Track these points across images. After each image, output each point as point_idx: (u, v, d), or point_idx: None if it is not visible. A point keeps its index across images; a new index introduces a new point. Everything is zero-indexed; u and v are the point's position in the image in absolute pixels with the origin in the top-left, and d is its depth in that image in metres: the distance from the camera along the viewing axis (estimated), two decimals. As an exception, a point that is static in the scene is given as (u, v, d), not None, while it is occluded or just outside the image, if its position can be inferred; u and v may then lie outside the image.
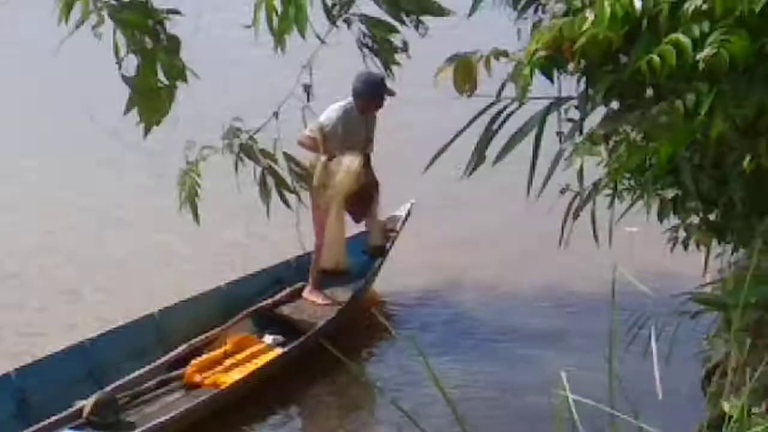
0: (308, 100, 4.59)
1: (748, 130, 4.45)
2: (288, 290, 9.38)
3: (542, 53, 4.17)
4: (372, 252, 9.59)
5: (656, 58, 3.95)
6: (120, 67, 4.01)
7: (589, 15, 4.01)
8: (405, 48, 4.58)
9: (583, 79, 4.51)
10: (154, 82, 4.00)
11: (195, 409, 7.87)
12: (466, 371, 8.63)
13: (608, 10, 3.96)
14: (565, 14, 4.41)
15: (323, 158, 8.92)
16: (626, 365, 5.44)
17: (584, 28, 4.01)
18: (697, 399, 6.51)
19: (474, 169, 4.63)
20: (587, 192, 4.95)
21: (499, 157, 4.61)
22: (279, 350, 8.60)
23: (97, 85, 9.31)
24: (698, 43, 3.99)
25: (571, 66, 4.31)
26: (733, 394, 5.92)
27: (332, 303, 9.22)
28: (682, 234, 5.52)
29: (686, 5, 3.95)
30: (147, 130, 4.20)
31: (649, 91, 4.58)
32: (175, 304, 8.79)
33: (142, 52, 3.94)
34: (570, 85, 4.72)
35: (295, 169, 4.46)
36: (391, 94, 8.87)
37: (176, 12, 4.09)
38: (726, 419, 5.57)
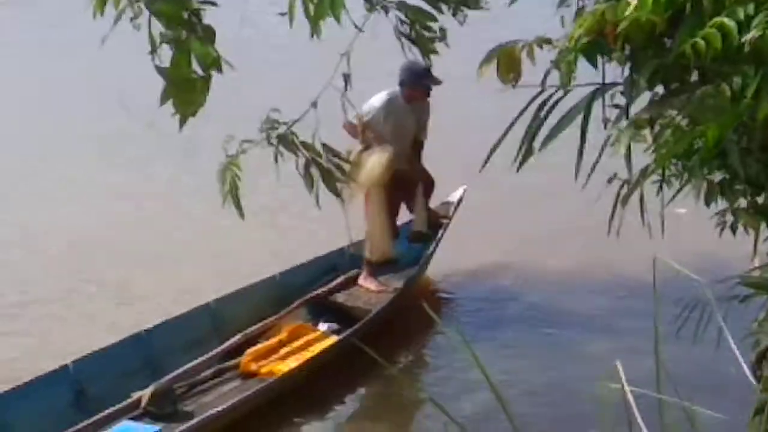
0: (346, 90, 4.58)
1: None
2: (342, 278, 9.50)
3: (585, 38, 4.13)
4: (412, 238, 9.62)
5: (701, 42, 3.90)
6: (154, 58, 4.01)
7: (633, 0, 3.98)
8: (443, 36, 4.56)
9: (628, 65, 4.48)
10: (188, 72, 4.00)
11: (251, 397, 7.93)
12: (515, 357, 8.61)
13: (651, -7, 3.92)
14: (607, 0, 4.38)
15: (358, 147, 8.93)
16: (676, 351, 5.44)
17: (627, 12, 3.97)
18: (747, 384, 6.46)
19: (524, 160, 4.60)
20: (635, 179, 4.92)
21: (544, 144, 4.57)
22: (334, 338, 8.65)
23: (129, 77, 9.36)
24: (743, 26, 3.94)
25: (615, 51, 4.27)
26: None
27: (386, 290, 9.32)
28: (729, 218, 5.48)
29: (731, -14, 3.91)
30: (183, 122, 4.19)
31: (694, 76, 4.56)
32: (230, 293, 8.86)
33: (175, 42, 3.94)
34: (614, 71, 4.70)
35: (334, 160, 4.46)
36: (437, 83, 8.90)
37: (211, 2, 4.09)
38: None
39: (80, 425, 7.59)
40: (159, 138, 9.27)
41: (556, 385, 8.34)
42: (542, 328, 9.24)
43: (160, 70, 4.06)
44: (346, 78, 4.55)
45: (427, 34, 4.49)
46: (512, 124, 4.85)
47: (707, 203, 5.08)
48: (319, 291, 9.35)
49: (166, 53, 4.03)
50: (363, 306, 9.13)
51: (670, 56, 4.19)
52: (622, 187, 5.13)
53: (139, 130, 10.25)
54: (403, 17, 4.51)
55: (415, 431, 8.40)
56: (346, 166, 4.49)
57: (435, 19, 4.53)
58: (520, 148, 4.80)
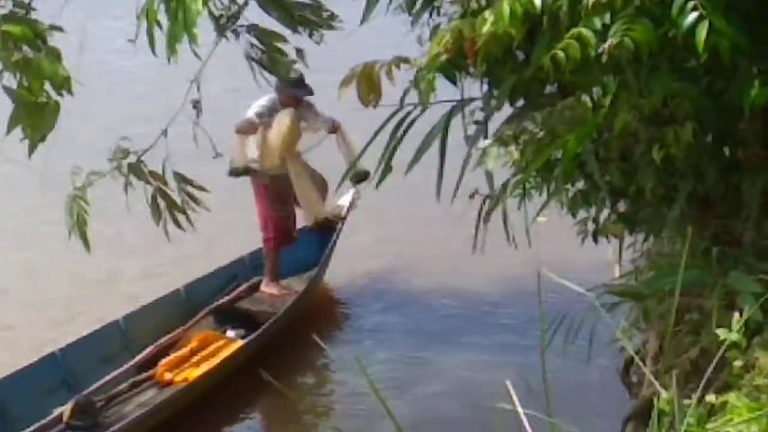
0: (198, 117, 4.46)
1: (655, 120, 4.41)
2: (244, 285, 9.55)
3: (444, 56, 4.06)
4: (312, 227, 9.65)
5: (560, 53, 3.85)
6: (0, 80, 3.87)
7: (489, 16, 3.91)
8: (301, 57, 4.46)
9: (486, 81, 4.43)
10: (39, 93, 3.86)
11: (168, 402, 8.02)
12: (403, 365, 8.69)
13: (507, 8, 3.85)
14: (462, 16, 4.32)
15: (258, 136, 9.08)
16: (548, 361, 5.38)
17: (485, 28, 3.91)
18: (616, 389, 6.50)
19: (382, 179, 4.53)
20: (496, 195, 4.88)
21: (410, 167, 4.50)
22: (241, 342, 8.73)
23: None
24: (600, 36, 3.91)
25: (473, 68, 4.22)
26: (652, 383, 5.91)
27: (288, 293, 9.42)
28: (591, 226, 5.47)
29: (586, -1, 3.87)
30: (32, 148, 4.05)
31: (553, 88, 4.52)
32: (137, 309, 8.86)
33: (24, 62, 3.78)
34: (471, 87, 4.64)
35: (186, 189, 4.35)
36: (308, 93, 9.08)
37: (58, 28, 3.95)
38: (654, 409, 5.57)
39: None
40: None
41: (446, 394, 8.35)
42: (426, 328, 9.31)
43: (9, 92, 3.90)
44: (197, 105, 4.42)
45: (280, 57, 4.38)
46: (368, 144, 4.77)
47: (572, 213, 5.06)
48: (224, 300, 9.39)
49: (9, 77, 3.89)
50: (267, 309, 9.23)
51: (529, 70, 4.15)
52: (484, 202, 5.09)
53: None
54: (254, 41, 4.39)
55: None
56: (198, 194, 4.38)
57: (286, 40, 4.42)
58: (378, 167, 4.73)
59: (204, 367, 8.37)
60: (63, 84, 3.88)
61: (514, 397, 2.69)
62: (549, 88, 4.55)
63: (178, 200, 4.42)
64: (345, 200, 9.98)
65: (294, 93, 9.06)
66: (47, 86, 3.92)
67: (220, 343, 8.73)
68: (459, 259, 8.22)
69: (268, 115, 9.17)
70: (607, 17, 3.86)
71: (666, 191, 4.79)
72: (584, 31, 3.85)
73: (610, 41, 3.81)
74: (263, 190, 9.40)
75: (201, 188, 4.47)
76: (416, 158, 4.35)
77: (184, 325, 9.00)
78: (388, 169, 4.60)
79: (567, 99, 4.12)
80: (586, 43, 3.85)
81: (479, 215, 5.03)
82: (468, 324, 9.14)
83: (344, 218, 9.94)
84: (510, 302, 9.30)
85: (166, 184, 4.32)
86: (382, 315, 9.64)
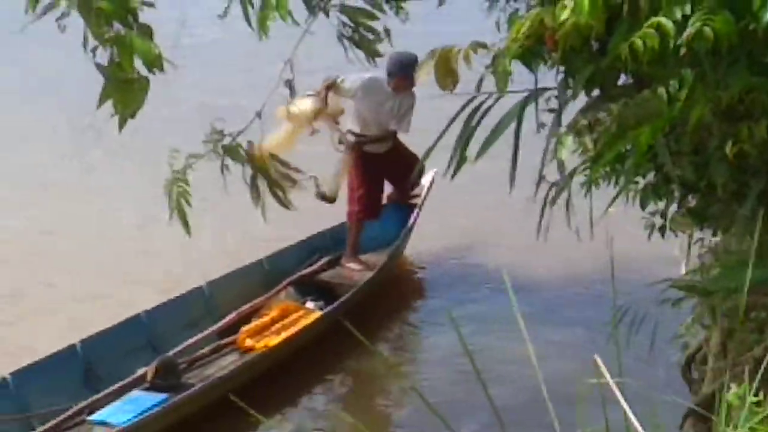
0: (291, 96, 4.48)
1: (729, 115, 4.36)
2: (325, 259, 9.84)
3: (523, 43, 4.04)
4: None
5: (638, 42, 3.83)
6: (94, 57, 3.89)
7: (568, 3, 3.89)
8: (387, 35, 4.47)
9: (562, 69, 4.40)
10: (130, 70, 3.88)
11: (247, 366, 8.34)
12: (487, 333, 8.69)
13: (587, -2, 3.84)
14: (542, 4, 4.30)
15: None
16: (609, 354, 5.35)
17: (564, 16, 3.89)
18: (677, 384, 6.44)
19: (457, 169, 4.52)
20: (562, 183, 4.85)
21: (480, 154, 4.49)
22: (319, 313, 9.01)
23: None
24: (679, 27, 3.88)
25: (551, 56, 4.20)
26: (713, 381, 5.86)
27: (368, 267, 9.68)
28: (658, 220, 5.44)
29: (668, -12, 3.83)
30: (122, 123, 4.07)
31: (628, 79, 4.49)
32: (221, 277, 9.20)
33: (117, 39, 3.81)
34: (543, 75, 4.62)
35: (281, 169, 4.35)
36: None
37: (150, 3, 3.97)
38: (719, 405, 5.52)
39: (91, 399, 7.83)
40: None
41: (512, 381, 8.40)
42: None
43: (101, 68, 3.92)
44: (290, 84, 4.44)
45: (370, 36, 4.39)
46: (443, 133, 4.76)
47: (642, 206, 5.02)
48: (305, 271, 9.67)
49: (100, 53, 3.91)
50: (347, 283, 9.47)
51: (606, 60, 4.12)
52: (550, 189, 5.06)
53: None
54: (345, 20, 4.41)
55: (394, 410, 8.51)
56: (295, 175, 4.39)
57: (377, 18, 4.43)
58: (453, 156, 4.72)
59: (283, 335, 8.61)
60: (154, 62, 3.90)
61: (605, 371, 2.69)
62: (624, 79, 4.52)
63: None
64: (425, 180, 10.11)
65: (409, 74, 9.02)
66: (138, 63, 3.94)
67: (300, 313, 8.98)
68: (527, 246, 8.25)
69: (361, 90, 9.33)
70: (688, 8, 3.83)
71: (738, 188, 4.73)
72: (663, 20, 3.82)
73: (690, 30, 3.78)
74: (359, 163, 9.59)
75: (296, 169, 4.49)
76: (486, 145, 4.34)
77: (266, 294, 9.25)
78: (462, 158, 4.59)
79: (643, 91, 4.08)
80: (665, 33, 3.83)
81: (544, 202, 5.00)
82: (534, 312, 9.15)
83: (424, 199, 10.14)
84: (574, 293, 9.31)
85: (265, 164, 4.32)
86: (454, 299, 9.82)
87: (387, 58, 8.98)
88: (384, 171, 9.78)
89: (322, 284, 9.61)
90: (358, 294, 9.26)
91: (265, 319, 8.87)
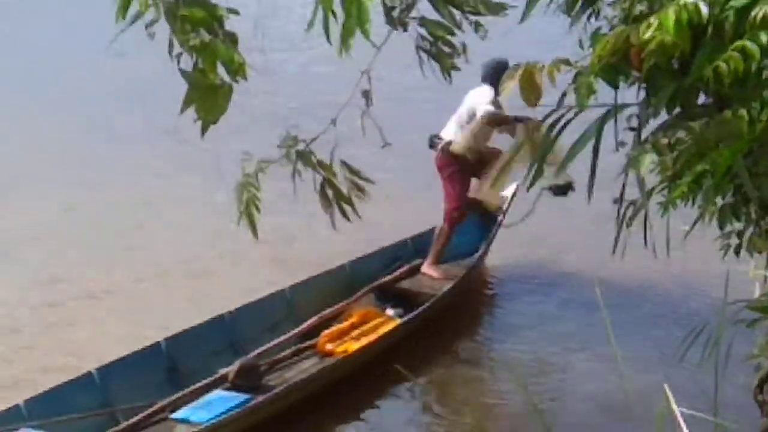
0: (367, 106, 4.51)
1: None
2: (406, 267, 9.98)
3: (608, 60, 4.06)
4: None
5: (723, 65, 3.84)
6: (178, 63, 3.95)
7: (654, 21, 3.90)
8: (464, 51, 4.50)
9: (643, 86, 4.40)
10: (214, 77, 3.93)
11: (327, 371, 8.45)
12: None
13: (673, 16, 3.85)
14: (625, 20, 4.31)
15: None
16: (682, 373, 5.34)
17: (648, 34, 3.90)
18: (749, 407, 6.40)
19: (533, 181, 4.54)
20: (640, 201, 4.85)
21: (562, 167, 4.51)
22: (398, 320, 9.11)
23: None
24: (764, 50, 3.88)
25: (635, 73, 4.21)
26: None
27: (447, 277, 9.76)
28: (734, 240, 5.41)
29: (754, 11, 3.83)
30: (205, 129, 4.12)
31: (706, 98, 4.49)
32: (303, 281, 9.36)
33: (201, 47, 3.86)
34: (622, 93, 4.62)
35: (352, 178, 4.39)
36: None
37: (235, 12, 4.03)
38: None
39: (174, 396, 7.99)
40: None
41: (585, 398, 8.39)
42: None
43: (185, 75, 3.98)
44: (367, 95, 4.47)
45: (447, 50, 4.43)
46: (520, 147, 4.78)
47: (720, 226, 5.01)
48: (386, 279, 9.78)
49: (184, 60, 3.97)
50: (427, 291, 9.54)
51: (688, 79, 4.13)
52: (627, 207, 5.06)
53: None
54: (424, 33, 4.44)
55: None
56: (363, 184, 4.42)
57: (454, 33, 4.46)
58: (531, 167, 4.74)
59: (363, 341, 8.70)
60: (238, 70, 3.95)
61: (672, 400, 2.70)
62: (703, 99, 4.52)
63: (344, 189, 4.45)
64: (508, 191, 10.11)
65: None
66: (221, 70, 3.99)
67: (380, 319, 9.07)
68: (600, 262, 8.23)
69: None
70: (773, 32, 3.83)
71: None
72: (748, 44, 3.83)
73: (776, 55, 3.79)
74: (467, 169, 9.79)
75: (367, 179, 4.51)
76: (569, 159, 4.35)
77: (347, 299, 9.34)
78: (540, 171, 4.60)
79: (724, 111, 4.08)
80: (749, 56, 3.83)
81: (622, 219, 5.00)
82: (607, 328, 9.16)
83: (506, 210, 10.21)
84: (648, 310, 9.28)
85: (334, 174, 4.36)
86: (525, 310, 9.95)
87: (481, 67, 9.35)
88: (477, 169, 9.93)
89: (402, 292, 9.67)
90: (437, 304, 9.29)
91: (345, 324, 8.97)
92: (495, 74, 9.17)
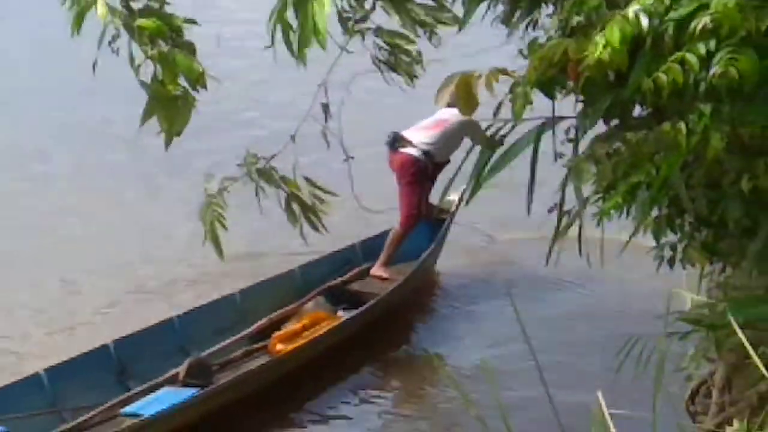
0: (326, 120, 4.47)
1: (746, 150, 4.35)
2: (357, 269, 10.04)
3: (545, 71, 4.03)
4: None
5: (662, 76, 3.82)
6: (137, 74, 3.89)
7: (600, 38, 3.87)
8: (419, 59, 4.48)
9: (581, 98, 4.39)
10: (174, 87, 3.88)
11: (275, 365, 8.55)
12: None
13: (619, 34, 3.83)
14: (562, 30, 4.28)
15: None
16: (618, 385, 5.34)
17: (596, 52, 3.87)
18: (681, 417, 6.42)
19: (471, 195, 4.53)
20: (575, 210, 4.83)
21: (489, 176, 4.50)
22: (343, 318, 9.20)
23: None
24: (703, 63, 3.87)
25: (570, 85, 4.18)
26: (717, 414, 5.84)
27: (396, 278, 9.81)
28: (668, 252, 5.41)
29: (693, 23, 3.82)
30: (168, 141, 4.07)
31: (642, 110, 4.48)
32: (253, 285, 9.36)
33: (160, 57, 3.81)
34: (560, 105, 4.61)
35: (315, 192, 4.36)
36: None
37: (193, 21, 3.97)
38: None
39: (124, 395, 8.03)
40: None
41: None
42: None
43: (146, 86, 3.92)
44: (325, 108, 4.43)
45: (406, 58, 4.40)
46: (462, 163, 4.77)
47: (656, 238, 5.00)
48: (336, 281, 9.85)
49: (144, 71, 3.92)
50: (377, 292, 9.58)
51: (626, 91, 4.11)
52: (561, 217, 5.05)
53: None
54: (381, 43, 4.42)
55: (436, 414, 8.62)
56: (326, 197, 4.39)
57: (413, 41, 4.44)
58: (469, 182, 4.73)
59: (309, 338, 8.86)
60: (198, 79, 3.90)
61: (605, 410, 2.67)
62: (639, 111, 4.52)
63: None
64: (455, 195, 10.26)
65: None
66: (182, 81, 3.94)
67: (331, 321, 9.14)
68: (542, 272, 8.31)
69: None
70: (712, 44, 3.82)
71: (750, 224, 4.72)
72: (688, 55, 3.82)
73: (716, 69, 3.78)
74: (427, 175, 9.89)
75: (331, 193, 4.49)
76: (497, 168, 4.34)
77: (297, 302, 9.37)
78: (477, 185, 4.59)
79: (662, 123, 4.07)
80: (689, 67, 3.82)
81: (556, 230, 4.99)
82: (546, 337, 9.21)
83: (454, 213, 10.32)
84: (585, 320, 9.32)
85: (298, 188, 4.33)
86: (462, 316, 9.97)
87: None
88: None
89: (352, 294, 9.73)
90: (383, 302, 9.37)
91: (297, 326, 9.01)
92: None
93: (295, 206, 4.31)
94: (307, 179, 4.37)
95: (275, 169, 4.32)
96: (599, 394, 2.79)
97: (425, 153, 9.87)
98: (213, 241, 4.36)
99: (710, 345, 5.47)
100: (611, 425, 2.83)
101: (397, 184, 10.04)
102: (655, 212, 5.03)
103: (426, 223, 10.25)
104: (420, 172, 9.87)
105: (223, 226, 4.34)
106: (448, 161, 9.81)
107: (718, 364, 5.76)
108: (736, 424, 4.70)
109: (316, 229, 4.40)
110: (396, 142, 10.01)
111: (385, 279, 9.87)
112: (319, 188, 4.37)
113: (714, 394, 5.75)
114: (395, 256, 10.05)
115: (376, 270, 10.01)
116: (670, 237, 5.27)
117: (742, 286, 5.28)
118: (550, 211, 5.22)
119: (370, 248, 10.18)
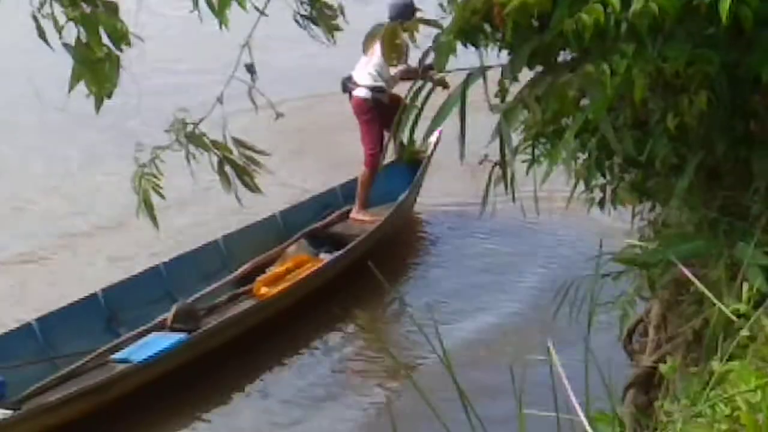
0: (252, 80, 4.40)
1: (670, 88, 4.36)
2: (336, 213, 10.20)
3: (469, 20, 4.00)
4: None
5: (585, 17, 3.81)
6: (60, 37, 3.82)
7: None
8: (341, 12, 4.44)
9: (507, 47, 4.37)
10: (99, 49, 3.81)
11: (261, 307, 8.71)
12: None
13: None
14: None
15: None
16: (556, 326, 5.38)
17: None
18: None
19: (402, 152, 4.49)
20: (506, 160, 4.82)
21: (426, 136, 4.47)
22: (325, 259, 9.34)
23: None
24: (624, 2, 3.87)
25: (495, 34, 4.16)
26: (654, 352, 5.89)
27: (377, 219, 9.95)
28: (598, 194, 5.44)
29: (614, -36, 3.81)
30: (99, 103, 4.00)
31: (567, 55, 4.47)
32: (235, 231, 9.50)
33: (82, 18, 3.73)
34: (491, 55, 4.58)
35: (246, 153, 4.30)
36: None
37: None
38: (655, 376, 5.54)
39: (114, 342, 8.20)
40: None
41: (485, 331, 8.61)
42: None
43: (69, 49, 3.85)
44: (250, 68, 4.37)
45: (328, 12, 4.35)
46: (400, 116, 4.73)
47: (586, 183, 5.02)
48: (317, 225, 9.97)
49: (70, 34, 3.84)
50: (357, 234, 9.72)
51: (549, 34, 4.09)
52: (494, 167, 5.04)
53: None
54: None
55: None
56: (259, 158, 4.34)
57: None
58: (391, 139, 4.69)
59: (294, 280, 9.01)
60: (122, 38, 3.83)
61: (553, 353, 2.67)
62: (563, 56, 4.50)
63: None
64: (432, 138, 10.22)
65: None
66: (106, 41, 3.87)
67: (314, 264, 9.29)
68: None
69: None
70: (633, -17, 3.82)
71: (677, 161, 4.75)
72: (608, -5, 3.81)
73: (635, 6, 3.78)
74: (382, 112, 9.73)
75: (262, 152, 4.44)
76: (434, 125, 4.30)
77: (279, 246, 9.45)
78: (411, 141, 4.57)
79: (586, 66, 4.07)
80: (610, 8, 3.82)
81: (489, 180, 4.98)
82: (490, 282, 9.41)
83: (430, 154, 10.33)
84: (522, 266, 9.42)
85: (230, 151, 4.27)
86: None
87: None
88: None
89: (335, 236, 9.87)
90: (365, 242, 9.49)
91: (281, 269, 9.14)
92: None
93: (227, 169, 4.24)
94: (237, 140, 4.31)
95: (204, 133, 4.26)
96: (550, 342, 2.77)
97: (374, 89, 9.89)
98: (148, 211, 4.30)
99: (644, 283, 5.51)
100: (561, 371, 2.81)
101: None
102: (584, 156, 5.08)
103: (403, 165, 10.23)
104: (373, 110, 9.89)
105: (160, 195, 4.28)
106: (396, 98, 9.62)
107: (653, 302, 5.81)
108: (670, 360, 4.73)
109: (252, 190, 4.35)
110: (346, 85, 10.06)
111: (366, 221, 9.99)
112: (250, 148, 4.31)
113: (650, 331, 5.80)
114: (370, 198, 10.16)
115: (356, 214, 10.13)
116: (600, 180, 5.32)
117: (673, 223, 5.32)
118: (480, 162, 5.24)
119: (350, 191, 10.29)
